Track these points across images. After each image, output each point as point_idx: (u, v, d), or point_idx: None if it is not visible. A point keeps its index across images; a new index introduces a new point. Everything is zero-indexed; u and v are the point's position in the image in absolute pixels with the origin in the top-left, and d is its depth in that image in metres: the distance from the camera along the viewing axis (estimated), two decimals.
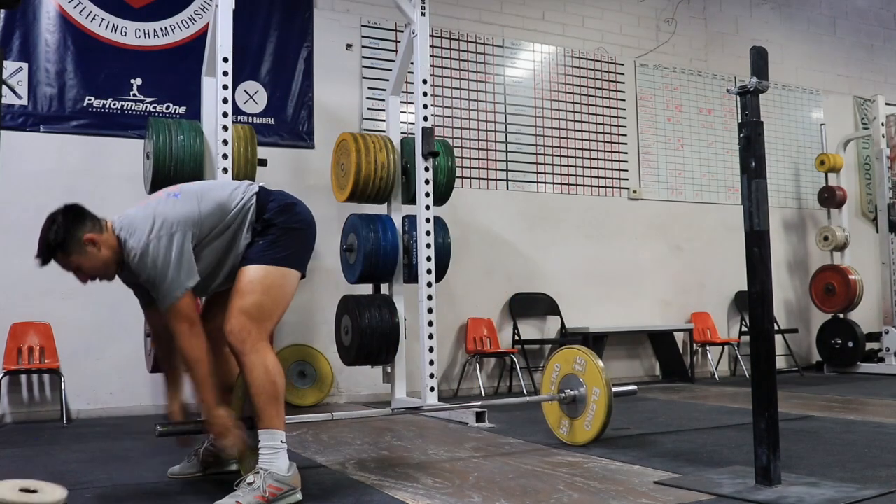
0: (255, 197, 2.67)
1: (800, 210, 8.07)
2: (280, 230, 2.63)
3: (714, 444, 3.45)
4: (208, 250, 2.60)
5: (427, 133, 4.82)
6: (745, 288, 2.55)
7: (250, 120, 5.61)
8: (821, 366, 7.57)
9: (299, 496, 2.47)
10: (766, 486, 2.42)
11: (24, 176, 4.95)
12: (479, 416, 4.26)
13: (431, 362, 4.71)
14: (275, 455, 2.44)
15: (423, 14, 4.89)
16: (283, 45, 5.79)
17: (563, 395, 3.47)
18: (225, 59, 4.26)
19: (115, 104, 5.28)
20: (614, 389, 3.45)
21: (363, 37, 6.07)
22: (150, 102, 5.37)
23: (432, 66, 5.87)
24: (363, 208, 5.39)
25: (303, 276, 2.72)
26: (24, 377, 4.90)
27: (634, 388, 3.81)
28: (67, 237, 2.50)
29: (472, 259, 6.21)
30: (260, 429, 2.49)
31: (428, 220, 4.82)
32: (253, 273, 2.56)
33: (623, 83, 7.15)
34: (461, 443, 3.62)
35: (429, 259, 4.80)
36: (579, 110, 6.91)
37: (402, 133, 5.40)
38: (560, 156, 6.76)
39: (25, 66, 5.08)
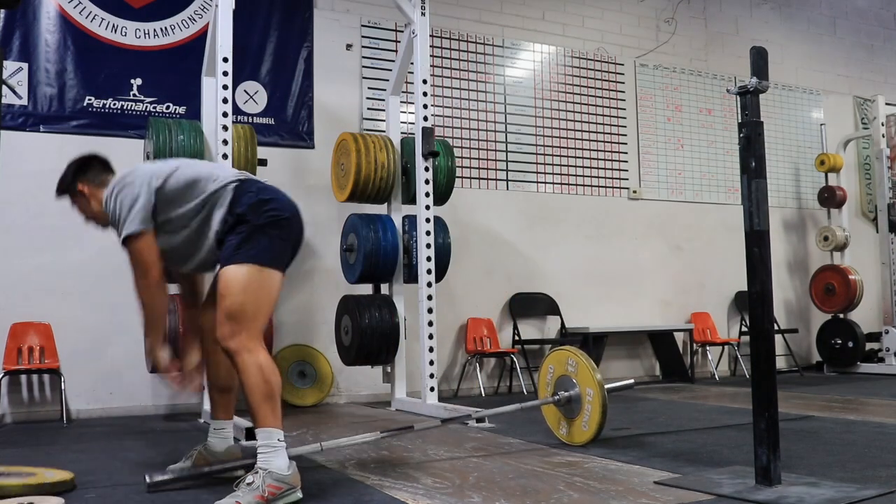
0: (231, 186, 2.66)
1: (800, 210, 8.07)
2: (251, 227, 2.59)
3: (714, 444, 3.45)
4: (180, 228, 2.67)
5: (427, 133, 4.82)
6: (745, 288, 2.55)
7: (250, 120, 5.61)
8: (821, 366, 7.57)
9: (299, 494, 2.46)
10: (766, 486, 2.42)
11: (24, 176, 4.95)
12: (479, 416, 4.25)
13: (431, 362, 4.71)
14: (273, 454, 2.43)
15: (423, 14, 4.89)
16: (283, 45, 5.79)
17: (557, 397, 3.47)
18: (225, 59, 4.26)
19: (115, 104, 5.28)
20: (612, 385, 3.46)
21: (363, 37, 6.07)
22: (150, 102, 5.37)
23: (432, 66, 5.87)
24: (363, 208, 5.40)
25: (283, 272, 2.69)
26: (24, 377, 4.90)
27: (631, 381, 3.79)
28: (68, 182, 2.92)
29: (472, 259, 6.21)
30: (256, 428, 2.49)
31: (428, 220, 4.82)
32: (229, 275, 2.55)
33: (623, 83, 7.15)
34: (461, 443, 3.62)
35: (429, 259, 4.80)
36: (579, 110, 6.91)
37: (402, 133, 5.40)
38: (560, 156, 6.76)
39: (25, 66, 5.08)
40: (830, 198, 7.68)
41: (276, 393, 2.51)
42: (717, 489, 2.47)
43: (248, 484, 2.37)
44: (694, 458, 3.08)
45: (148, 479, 2.66)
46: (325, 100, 5.89)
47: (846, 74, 8.55)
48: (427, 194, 4.83)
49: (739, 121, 2.55)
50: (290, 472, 2.44)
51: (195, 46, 5.39)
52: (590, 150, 6.91)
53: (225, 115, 4.24)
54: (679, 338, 7.03)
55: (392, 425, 4.24)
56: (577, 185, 6.82)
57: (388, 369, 5.15)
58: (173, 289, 2.95)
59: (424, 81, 4.89)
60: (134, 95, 5.34)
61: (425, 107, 4.86)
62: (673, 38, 7.46)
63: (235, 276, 2.53)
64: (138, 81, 5.36)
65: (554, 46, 6.88)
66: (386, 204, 5.25)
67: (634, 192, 7.08)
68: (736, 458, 3.01)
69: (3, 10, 4.84)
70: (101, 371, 5.05)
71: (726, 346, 7.21)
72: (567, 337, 6.35)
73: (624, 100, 7.13)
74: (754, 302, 2.50)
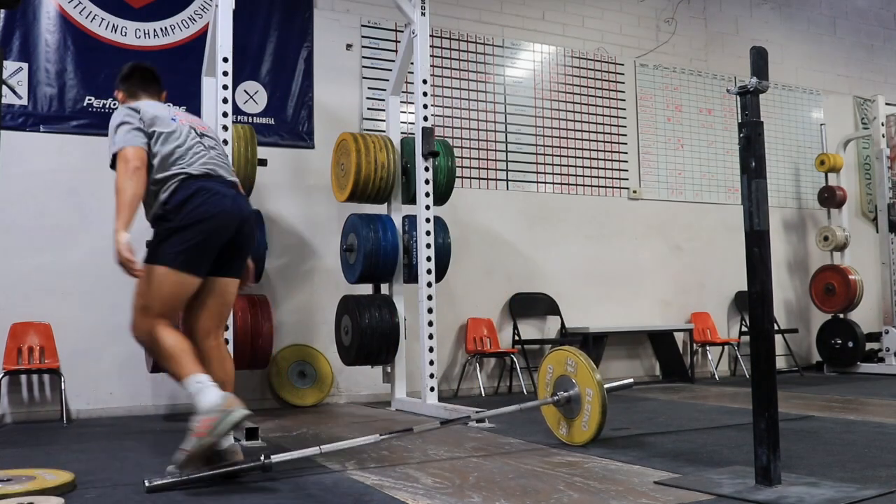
0: (181, 177, 2.91)
1: (800, 210, 8.07)
2: (169, 229, 2.87)
3: (714, 444, 3.45)
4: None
5: (427, 133, 4.82)
6: (745, 288, 2.55)
7: (250, 120, 5.61)
8: (821, 366, 7.57)
9: (241, 412, 2.65)
10: (766, 486, 2.42)
11: (24, 176, 4.95)
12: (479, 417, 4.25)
13: (431, 362, 4.71)
14: (197, 395, 2.67)
15: (423, 14, 4.89)
16: (283, 45, 5.79)
17: (557, 397, 3.47)
18: (225, 59, 4.26)
19: (115, 104, 5.27)
20: (611, 385, 3.46)
21: (363, 37, 6.07)
22: None
23: (432, 66, 5.87)
24: (363, 208, 5.40)
25: (195, 274, 2.89)
26: (24, 377, 4.90)
27: (630, 380, 3.78)
28: (115, 84, 3.45)
29: (472, 259, 6.21)
30: (181, 385, 2.77)
31: (428, 220, 4.82)
32: (145, 272, 2.86)
33: (623, 83, 7.15)
34: (461, 443, 3.62)
35: (429, 259, 4.80)
36: (579, 110, 6.91)
37: (402, 133, 5.40)
38: (560, 156, 6.76)
39: (25, 66, 5.08)
40: (830, 198, 7.68)
41: (175, 349, 2.77)
42: (717, 489, 2.47)
43: (190, 433, 2.63)
44: (694, 458, 3.08)
45: (147, 483, 2.65)
46: (325, 100, 5.89)
47: (846, 74, 8.55)
48: (427, 194, 4.82)
49: (739, 121, 2.55)
50: (218, 402, 2.64)
51: (195, 46, 5.39)
52: (590, 150, 6.91)
53: (225, 115, 4.24)
54: (679, 338, 7.03)
55: (392, 426, 4.24)
56: (577, 185, 6.82)
57: (388, 369, 5.14)
58: None
59: (424, 81, 4.89)
60: None
61: (425, 107, 4.86)
62: (673, 38, 7.46)
63: (147, 273, 2.85)
64: None
65: (554, 46, 6.88)
66: (386, 204, 5.25)
67: (634, 192, 7.08)
68: (736, 458, 3.01)
69: (3, 10, 4.84)
70: (101, 371, 5.06)
71: (726, 346, 7.21)
72: (567, 337, 6.36)
73: (624, 100, 7.13)
74: (754, 302, 2.50)
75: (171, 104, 3.28)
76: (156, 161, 2.92)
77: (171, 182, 2.90)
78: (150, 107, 3.07)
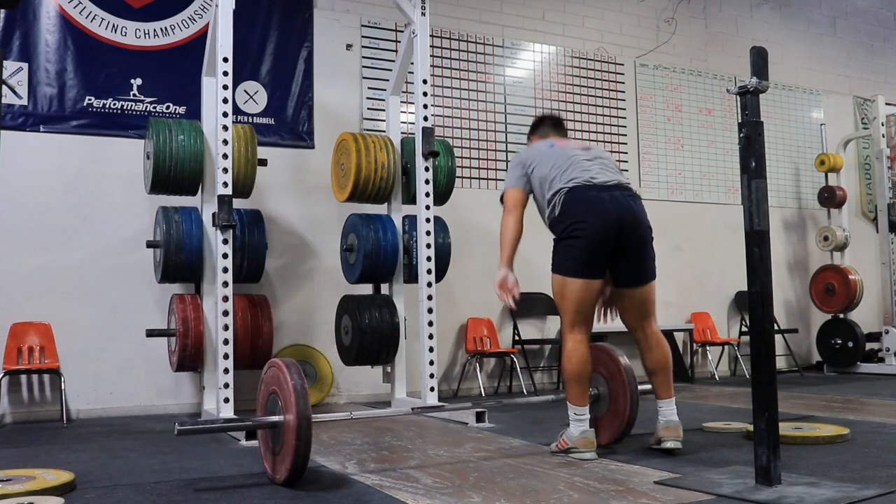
0: (557, 196, 3.17)
1: (800, 210, 8.07)
2: (557, 242, 3.21)
3: (714, 444, 3.45)
4: (542, 208, 3.34)
5: (427, 133, 4.82)
6: (745, 288, 2.55)
7: (250, 120, 5.61)
8: (821, 366, 7.57)
9: (586, 455, 3.08)
10: (766, 486, 2.42)
11: (24, 176, 4.96)
12: (479, 416, 4.26)
13: (431, 362, 4.71)
14: (571, 422, 3.14)
15: (423, 14, 4.89)
16: (283, 45, 5.79)
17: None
18: (225, 59, 4.26)
19: (115, 104, 5.28)
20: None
21: (363, 37, 6.07)
22: (150, 102, 5.37)
23: (432, 66, 5.87)
24: (363, 208, 5.40)
25: (584, 277, 3.13)
26: (24, 377, 4.90)
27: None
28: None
29: (472, 259, 6.20)
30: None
31: (428, 220, 4.82)
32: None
33: (623, 83, 7.15)
34: (461, 443, 3.62)
35: (429, 259, 4.80)
36: (579, 110, 6.90)
37: (402, 133, 5.40)
38: None
39: (25, 66, 5.08)
40: (830, 198, 7.68)
41: (573, 379, 3.17)
42: (717, 489, 2.47)
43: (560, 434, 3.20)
44: (694, 458, 3.08)
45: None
46: (325, 100, 5.89)
47: (846, 74, 8.55)
48: (427, 194, 4.82)
49: (739, 121, 2.55)
50: (577, 437, 3.12)
51: (195, 46, 5.39)
52: None
53: (225, 115, 4.24)
54: (679, 338, 7.03)
55: (393, 425, 4.25)
56: None
57: (388, 369, 5.14)
58: None
59: (424, 81, 4.89)
60: (134, 95, 5.34)
61: (425, 107, 4.86)
62: (673, 38, 7.46)
63: (553, 284, 3.25)
64: (138, 81, 5.36)
65: (554, 46, 6.88)
66: (386, 204, 5.25)
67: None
68: (736, 458, 3.01)
69: (3, 10, 4.84)
70: (101, 371, 5.06)
71: (726, 346, 7.21)
72: None
73: (624, 100, 7.13)
74: (754, 302, 2.50)
75: (554, 139, 3.49)
76: (535, 189, 3.32)
77: (553, 200, 3.19)
78: (533, 146, 3.46)
